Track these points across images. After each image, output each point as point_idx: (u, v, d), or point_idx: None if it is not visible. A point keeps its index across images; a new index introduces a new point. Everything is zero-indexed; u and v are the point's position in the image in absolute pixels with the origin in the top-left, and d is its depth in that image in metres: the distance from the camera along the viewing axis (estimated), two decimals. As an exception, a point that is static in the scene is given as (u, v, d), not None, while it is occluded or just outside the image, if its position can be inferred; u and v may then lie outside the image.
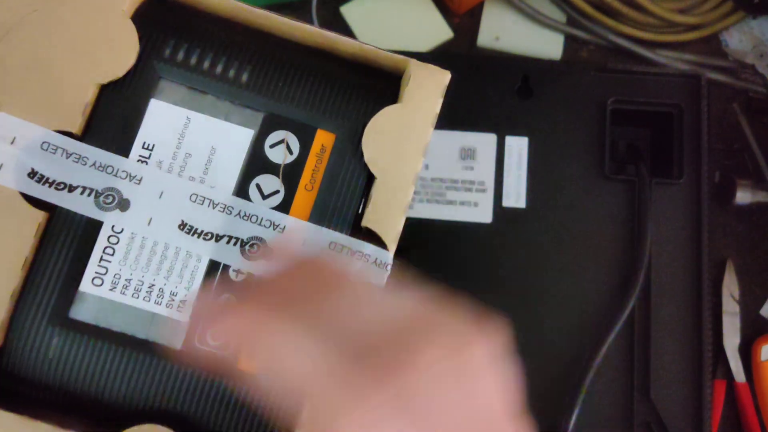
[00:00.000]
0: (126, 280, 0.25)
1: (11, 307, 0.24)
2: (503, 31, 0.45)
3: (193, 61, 0.26)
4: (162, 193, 0.25)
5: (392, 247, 0.26)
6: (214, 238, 0.25)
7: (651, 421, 0.36)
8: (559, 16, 0.45)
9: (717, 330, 0.40)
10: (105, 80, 0.25)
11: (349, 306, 0.19)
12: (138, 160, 0.25)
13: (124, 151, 0.25)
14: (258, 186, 0.26)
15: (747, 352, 0.40)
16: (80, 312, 0.24)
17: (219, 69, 0.26)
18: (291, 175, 0.26)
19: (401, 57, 0.27)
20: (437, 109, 0.26)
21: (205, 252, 0.25)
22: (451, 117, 0.39)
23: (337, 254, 0.25)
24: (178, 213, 0.25)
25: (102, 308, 0.24)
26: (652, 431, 0.35)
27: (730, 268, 0.41)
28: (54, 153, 0.24)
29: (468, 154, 0.39)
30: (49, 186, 0.24)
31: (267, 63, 0.26)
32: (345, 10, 0.45)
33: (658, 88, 0.39)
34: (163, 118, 0.25)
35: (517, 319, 0.37)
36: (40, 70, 0.25)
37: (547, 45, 0.45)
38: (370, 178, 0.26)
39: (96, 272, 0.24)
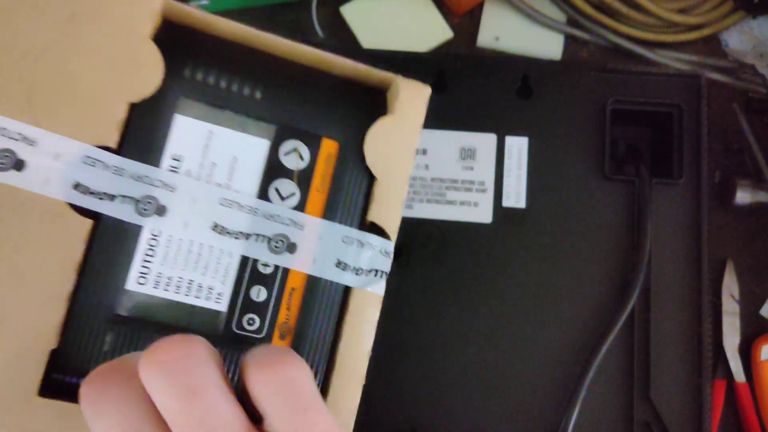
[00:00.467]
0: (167, 277, 0.27)
1: (67, 308, 0.26)
2: (503, 31, 0.45)
3: (211, 80, 0.28)
4: (195, 199, 0.27)
5: (394, 237, 0.29)
6: (244, 237, 0.28)
7: (650, 420, 0.36)
8: (559, 16, 0.45)
9: (717, 330, 0.40)
10: (135, 99, 0.27)
11: None
12: (169, 170, 0.28)
13: (156, 162, 0.27)
14: (277, 189, 0.29)
15: (747, 351, 0.40)
16: (129, 309, 0.27)
17: (235, 87, 0.29)
18: (304, 178, 0.29)
19: (388, 74, 0.31)
20: (422, 118, 0.31)
21: (237, 249, 0.28)
22: (451, 117, 0.40)
23: (349, 246, 0.29)
24: (211, 216, 0.28)
25: (148, 304, 0.27)
26: (651, 431, 0.36)
27: (730, 268, 0.41)
28: (94, 166, 0.26)
29: (468, 154, 0.39)
30: (93, 196, 0.26)
31: (276, 81, 0.29)
32: (345, 10, 0.45)
33: (658, 88, 0.39)
34: (189, 132, 0.28)
35: (516, 318, 0.37)
36: (74, 91, 0.27)
37: (547, 45, 0.45)
38: (371, 179, 0.30)
39: (140, 272, 0.27)
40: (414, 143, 0.30)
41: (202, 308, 0.27)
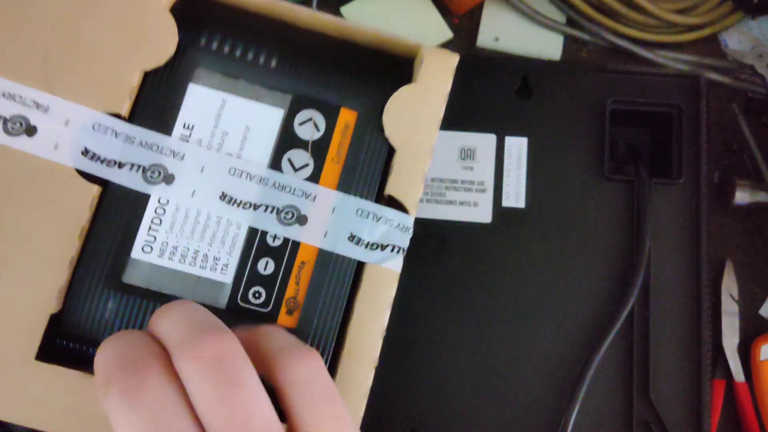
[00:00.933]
0: (173, 247, 0.27)
1: (70, 274, 0.26)
2: (503, 32, 0.45)
3: (226, 49, 0.28)
4: (203, 167, 0.27)
5: (413, 212, 0.28)
6: (252, 207, 0.27)
7: (650, 420, 0.36)
8: (558, 16, 0.45)
9: (716, 330, 0.40)
10: (148, 67, 0.27)
11: None
12: (180, 139, 0.28)
13: (166, 130, 0.27)
14: (290, 160, 0.28)
15: (746, 351, 0.40)
16: (133, 277, 0.27)
17: (250, 56, 0.28)
18: (319, 149, 0.29)
19: (414, 42, 0.29)
20: (448, 87, 0.29)
21: (245, 220, 0.27)
22: (451, 117, 0.39)
23: (364, 220, 0.28)
24: (219, 185, 0.27)
25: (152, 273, 0.27)
26: (651, 431, 0.36)
27: (730, 268, 0.41)
28: (104, 133, 0.27)
29: (468, 154, 0.39)
30: (101, 163, 0.27)
31: (293, 50, 0.29)
32: (345, 10, 0.45)
33: (657, 89, 0.39)
34: (201, 101, 0.28)
35: (516, 319, 0.37)
36: (90, 59, 0.27)
37: (547, 45, 0.45)
38: (391, 151, 0.29)
39: (146, 240, 0.27)
40: (439, 113, 0.29)
41: (207, 279, 0.27)
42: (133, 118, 0.27)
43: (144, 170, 0.27)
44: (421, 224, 0.38)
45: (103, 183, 0.27)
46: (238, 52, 0.28)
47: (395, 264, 0.28)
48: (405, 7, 0.45)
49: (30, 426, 0.25)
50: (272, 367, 0.21)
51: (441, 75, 0.29)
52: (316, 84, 0.29)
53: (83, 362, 0.25)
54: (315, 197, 0.28)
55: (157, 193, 0.27)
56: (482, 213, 0.38)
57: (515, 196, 0.38)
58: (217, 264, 0.27)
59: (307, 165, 0.28)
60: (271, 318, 0.27)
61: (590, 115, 0.39)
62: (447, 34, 0.45)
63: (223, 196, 0.27)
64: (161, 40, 0.27)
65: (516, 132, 0.39)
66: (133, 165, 0.27)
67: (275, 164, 0.28)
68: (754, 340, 0.40)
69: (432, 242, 0.38)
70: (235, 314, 0.27)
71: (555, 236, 0.38)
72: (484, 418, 0.36)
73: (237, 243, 0.27)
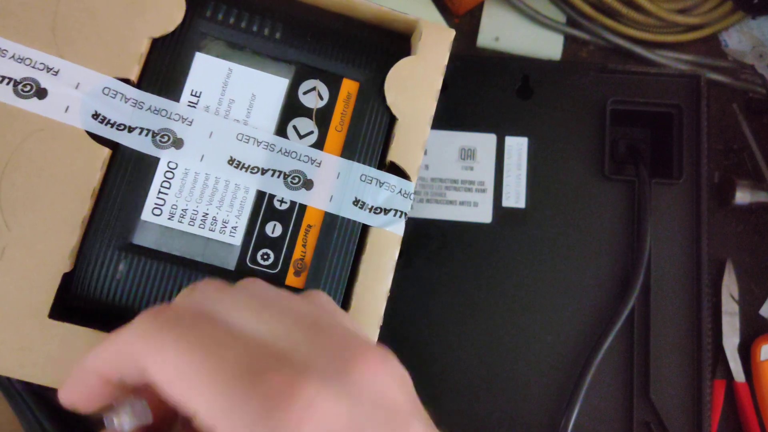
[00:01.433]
0: (182, 210, 0.28)
1: (81, 234, 0.26)
2: (503, 32, 0.45)
3: (232, 20, 0.29)
4: (212, 133, 0.28)
5: (414, 177, 0.29)
6: (260, 172, 0.28)
7: (650, 420, 0.36)
8: (559, 16, 0.45)
9: (716, 330, 0.40)
10: (157, 34, 0.28)
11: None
12: (188, 105, 0.28)
13: (174, 97, 0.28)
14: (295, 127, 0.29)
15: (746, 351, 0.40)
16: (143, 238, 0.27)
17: (255, 27, 0.29)
18: (323, 117, 0.29)
19: (413, 17, 0.31)
20: (445, 60, 0.30)
21: (252, 184, 0.28)
22: (451, 117, 0.40)
23: (367, 185, 0.29)
24: (227, 150, 0.28)
25: (162, 235, 0.27)
26: (651, 431, 0.36)
27: (730, 268, 0.41)
28: (114, 98, 0.27)
29: (468, 154, 0.39)
30: (111, 126, 0.27)
31: (297, 22, 0.30)
32: None
33: (657, 89, 0.39)
34: (208, 69, 0.29)
35: (516, 319, 0.37)
36: (98, 25, 0.28)
37: (547, 45, 0.45)
38: (392, 119, 0.30)
39: (155, 203, 0.28)
40: (436, 85, 0.30)
41: (216, 241, 0.28)
42: (141, 84, 0.28)
43: (153, 134, 0.27)
44: (421, 224, 0.38)
45: (114, 146, 0.27)
46: (243, 23, 0.29)
47: (398, 228, 0.29)
48: (405, 7, 0.45)
49: (43, 383, 0.25)
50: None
51: (439, 48, 0.30)
52: (319, 55, 0.30)
53: (95, 320, 0.26)
54: (320, 163, 0.29)
55: (166, 157, 0.28)
56: (482, 213, 0.38)
57: (515, 196, 0.38)
58: (225, 227, 0.28)
59: (311, 132, 0.29)
60: (279, 279, 0.28)
61: (590, 115, 0.39)
62: (447, 33, 0.45)
63: (231, 161, 0.28)
64: (169, 8, 0.28)
65: (516, 132, 0.39)
66: (142, 129, 0.27)
67: (281, 131, 0.29)
68: (755, 340, 0.40)
69: (432, 242, 0.38)
70: (243, 275, 0.27)
71: (555, 236, 0.38)
72: (484, 418, 0.36)
73: (245, 206, 0.28)
